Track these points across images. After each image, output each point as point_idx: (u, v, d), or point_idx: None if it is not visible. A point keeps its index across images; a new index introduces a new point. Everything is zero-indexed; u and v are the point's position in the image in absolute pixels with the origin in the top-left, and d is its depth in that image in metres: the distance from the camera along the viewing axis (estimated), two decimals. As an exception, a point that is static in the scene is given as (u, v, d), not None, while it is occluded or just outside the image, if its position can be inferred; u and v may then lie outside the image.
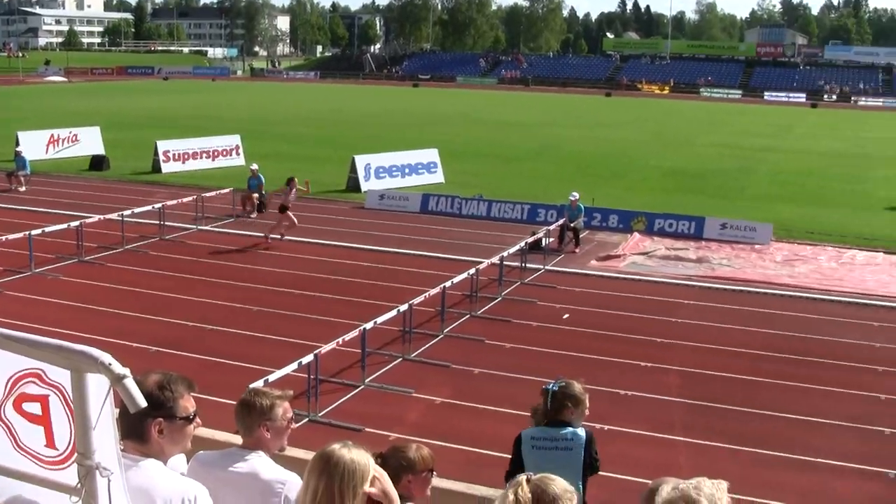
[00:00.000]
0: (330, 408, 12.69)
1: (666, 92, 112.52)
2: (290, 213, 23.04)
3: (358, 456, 3.57)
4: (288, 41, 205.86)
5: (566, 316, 17.72)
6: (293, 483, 4.28)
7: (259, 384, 9.22)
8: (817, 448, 12.12)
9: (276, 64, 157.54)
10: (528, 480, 3.61)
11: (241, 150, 37.21)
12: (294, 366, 11.88)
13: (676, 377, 14.53)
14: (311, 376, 12.10)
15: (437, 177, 33.70)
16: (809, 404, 13.62)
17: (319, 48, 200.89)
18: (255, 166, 27.38)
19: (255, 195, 26.66)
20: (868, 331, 17.65)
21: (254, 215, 26.29)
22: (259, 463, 4.45)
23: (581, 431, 7.02)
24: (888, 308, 19.19)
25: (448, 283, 16.51)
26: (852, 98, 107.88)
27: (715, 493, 3.38)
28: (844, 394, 14.16)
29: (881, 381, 14.78)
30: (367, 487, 3.59)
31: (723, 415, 13.11)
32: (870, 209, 30.95)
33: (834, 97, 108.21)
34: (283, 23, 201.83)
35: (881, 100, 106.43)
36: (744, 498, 10.45)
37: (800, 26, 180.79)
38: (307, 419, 11.96)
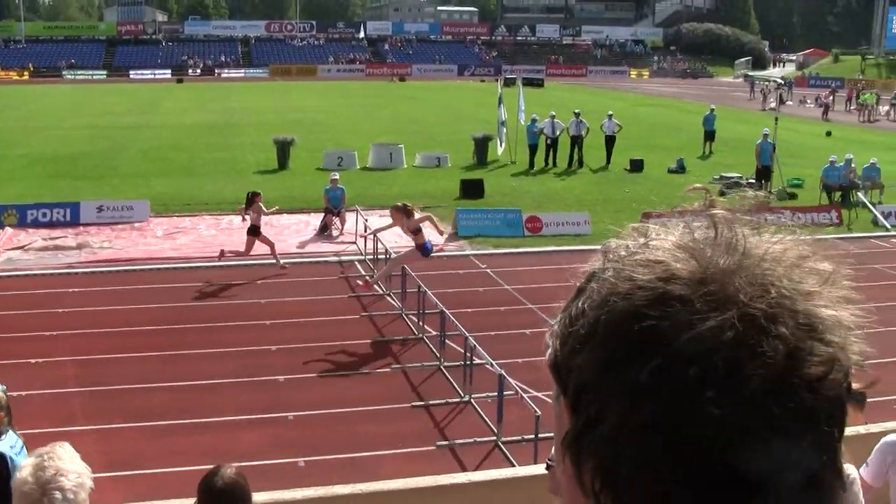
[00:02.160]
0: None
1: (26, 77, 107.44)
2: (262, 237, 19.93)
3: None
4: None
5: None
6: None
7: None
8: (218, 408, 12.55)
9: None
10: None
11: None
12: None
13: (71, 367, 14.05)
14: None
15: None
16: (206, 368, 14.00)
17: None
18: None
19: None
20: (254, 289, 18.57)
21: None
22: None
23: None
24: (268, 265, 20.22)
25: None
26: (216, 71, 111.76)
27: (68, 451, 3.92)
28: (240, 351, 14.80)
29: (270, 334, 15.68)
30: None
31: (122, 395, 12.96)
32: (241, 174, 32.30)
33: (198, 71, 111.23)
34: None
35: (242, 71, 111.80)
36: (152, 472, 10.52)
37: (158, 3, 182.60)
38: None
